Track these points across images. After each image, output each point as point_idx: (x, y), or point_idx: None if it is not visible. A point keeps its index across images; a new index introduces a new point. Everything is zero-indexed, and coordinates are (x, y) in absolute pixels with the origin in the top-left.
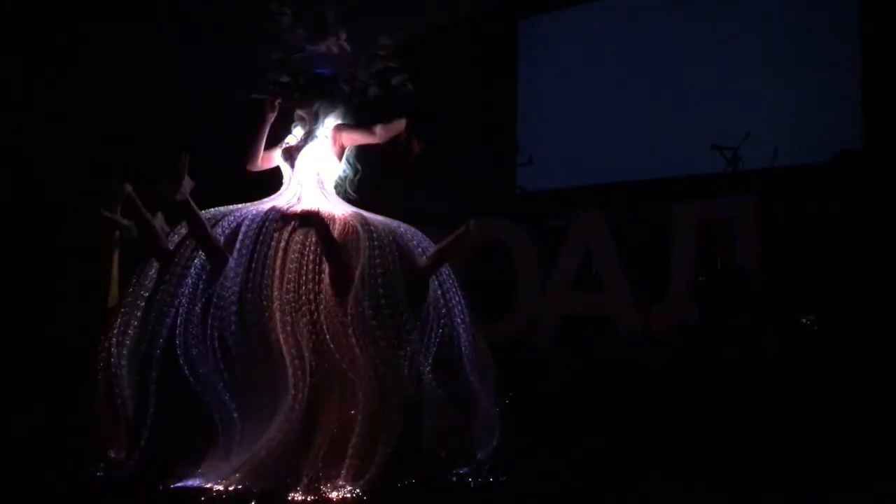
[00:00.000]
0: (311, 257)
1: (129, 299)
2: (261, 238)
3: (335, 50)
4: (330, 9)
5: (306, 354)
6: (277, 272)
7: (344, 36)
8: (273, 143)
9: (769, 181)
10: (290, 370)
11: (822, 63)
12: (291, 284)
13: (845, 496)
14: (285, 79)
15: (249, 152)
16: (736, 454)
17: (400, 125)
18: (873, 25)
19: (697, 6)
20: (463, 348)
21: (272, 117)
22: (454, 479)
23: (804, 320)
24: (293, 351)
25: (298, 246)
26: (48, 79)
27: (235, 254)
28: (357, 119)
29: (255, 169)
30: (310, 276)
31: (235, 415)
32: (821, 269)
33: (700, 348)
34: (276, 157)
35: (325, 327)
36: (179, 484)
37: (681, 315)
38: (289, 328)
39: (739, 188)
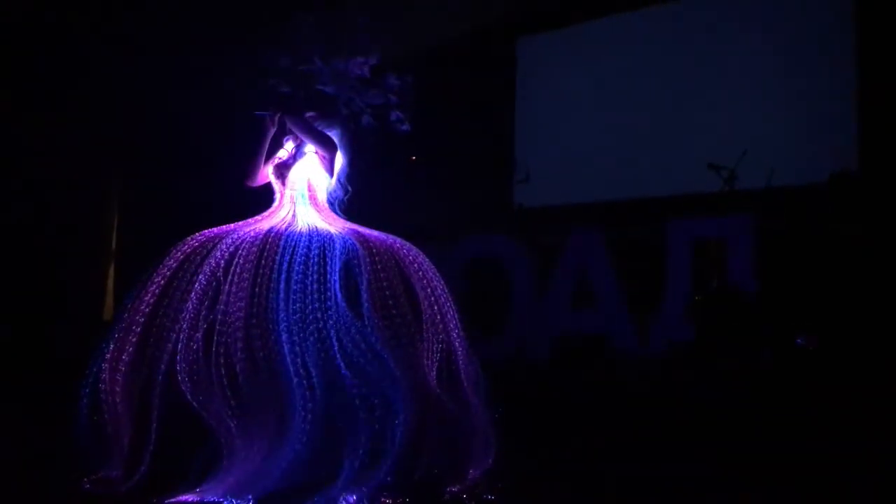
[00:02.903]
0: (315, 276)
1: (126, 320)
2: (262, 259)
3: (342, 70)
4: (354, 30)
5: (314, 373)
6: (282, 294)
7: (363, 60)
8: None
9: (765, 201)
10: (297, 390)
11: (819, 84)
12: (297, 304)
13: None
14: (285, 90)
15: (250, 168)
16: (731, 470)
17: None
18: (870, 46)
19: (694, 26)
20: (460, 364)
21: (273, 132)
22: (448, 497)
23: (798, 340)
24: (301, 371)
25: (301, 267)
26: (53, 99)
27: (236, 276)
28: (352, 143)
29: (255, 185)
30: (315, 295)
31: (240, 438)
32: (815, 288)
33: (695, 365)
34: (269, 173)
35: (334, 344)
36: (174, 500)
37: (676, 332)
38: (297, 348)
39: (735, 207)
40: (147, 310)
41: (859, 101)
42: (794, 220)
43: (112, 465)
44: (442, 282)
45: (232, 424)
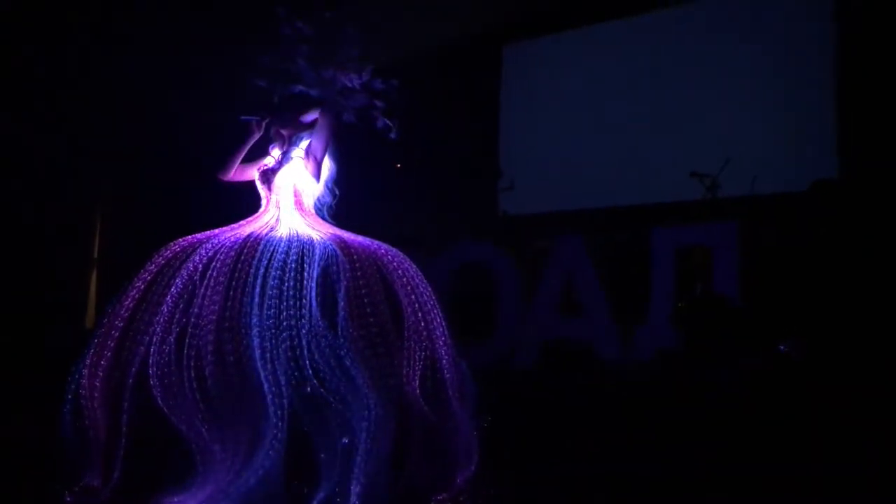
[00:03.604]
0: (291, 283)
1: (105, 326)
2: (239, 264)
3: (329, 77)
4: (350, 40)
5: (283, 381)
6: (257, 299)
7: (352, 74)
8: (250, 156)
9: (747, 208)
10: (268, 397)
11: (800, 94)
12: (272, 310)
13: None
14: (274, 98)
15: (226, 163)
16: (716, 477)
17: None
18: (849, 55)
19: (677, 36)
20: (445, 371)
21: (256, 137)
22: None
23: (781, 347)
24: (270, 378)
25: (279, 272)
26: (33, 105)
27: (212, 280)
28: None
29: (227, 179)
30: (291, 302)
31: (214, 445)
32: (797, 295)
33: (680, 372)
34: (254, 179)
35: (306, 352)
36: None
37: (661, 339)
38: (268, 355)
39: (718, 215)
40: (126, 315)
41: (838, 111)
42: (775, 226)
43: (93, 473)
44: (429, 288)
45: (203, 429)
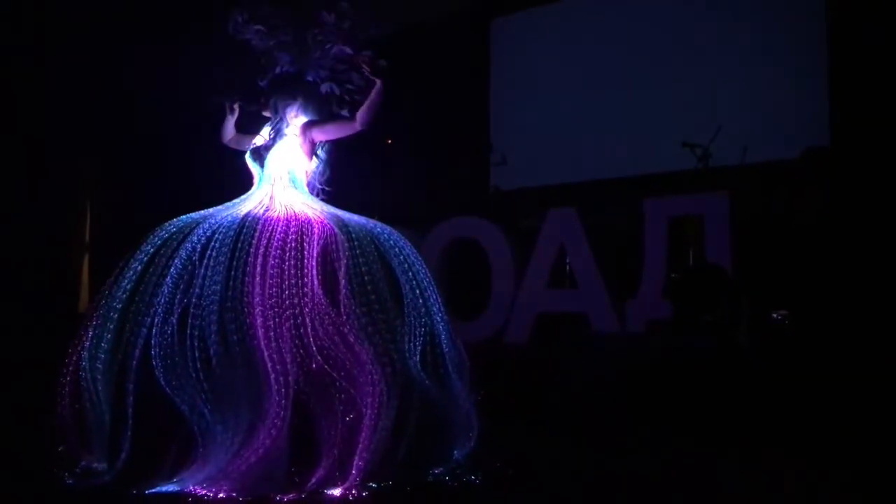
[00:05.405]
0: (292, 262)
1: (101, 307)
2: (238, 244)
3: (300, 45)
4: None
5: (288, 359)
6: (258, 278)
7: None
8: (247, 128)
9: (739, 177)
10: (272, 377)
11: (791, 62)
12: (274, 289)
13: (817, 487)
14: (246, 81)
15: (220, 133)
16: (708, 447)
17: (376, 97)
18: (841, 22)
19: (667, 5)
20: (443, 347)
21: (233, 118)
22: (431, 479)
23: (775, 315)
24: (275, 357)
25: (278, 251)
26: (21, 90)
27: (212, 261)
28: (325, 113)
29: (226, 144)
30: (293, 281)
31: (216, 425)
32: (790, 264)
33: (673, 343)
34: (245, 157)
35: (310, 330)
36: (154, 490)
37: (654, 310)
38: (271, 334)
39: (710, 184)
40: (124, 296)
41: (830, 78)
42: (767, 195)
43: (94, 456)
44: (424, 265)
45: (206, 410)
